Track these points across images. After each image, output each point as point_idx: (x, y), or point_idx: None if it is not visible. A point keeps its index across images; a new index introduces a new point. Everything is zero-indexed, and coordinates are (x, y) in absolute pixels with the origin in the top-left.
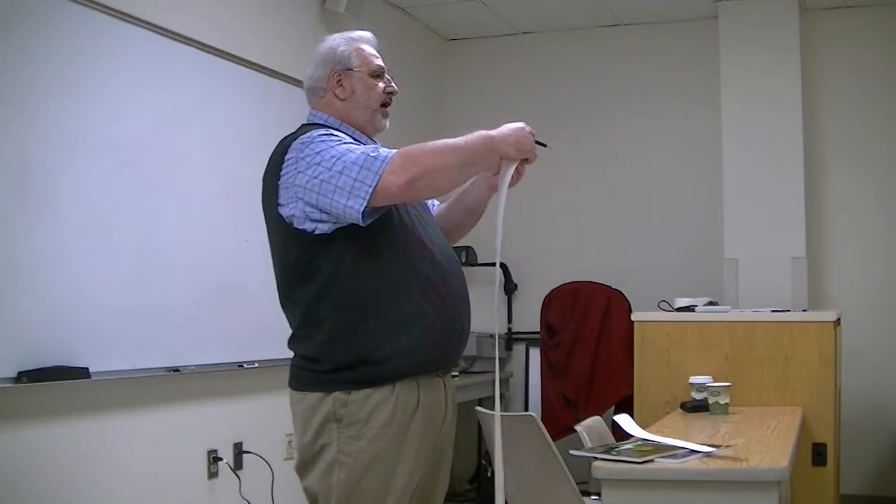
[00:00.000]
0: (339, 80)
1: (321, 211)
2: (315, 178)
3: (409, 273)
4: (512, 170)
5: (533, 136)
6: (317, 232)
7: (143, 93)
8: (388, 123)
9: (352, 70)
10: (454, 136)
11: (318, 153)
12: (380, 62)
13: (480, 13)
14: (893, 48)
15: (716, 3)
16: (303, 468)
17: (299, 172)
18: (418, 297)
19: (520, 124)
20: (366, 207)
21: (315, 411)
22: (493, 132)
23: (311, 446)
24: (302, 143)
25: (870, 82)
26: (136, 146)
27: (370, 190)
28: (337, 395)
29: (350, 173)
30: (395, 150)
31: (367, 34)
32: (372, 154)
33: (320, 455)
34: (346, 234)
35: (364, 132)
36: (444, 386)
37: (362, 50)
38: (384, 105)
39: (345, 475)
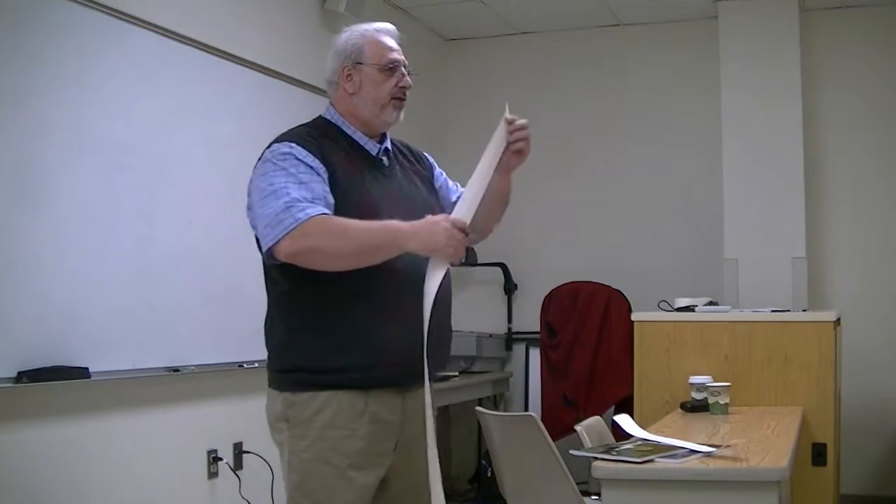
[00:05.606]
0: (349, 74)
1: None
2: (249, 205)
3: (366, 294)
4: (442, 271)
5: (464, 232)
6: None
7: (143, 93)
8: (401, 116)
9: (361, 64)
10: (454, 136)
11: (262, 175)
12: (395, 55)
13: (480, 13)
14: (893, 48)
15: (716, 3)
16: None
17: (249, 191)
18: (369, 319)
19: (439, 222)
20: (268, 255)
21: (272, 409)
22: (403, 226)
23: (275, 442)
24: (263, 159)
25: (870, 82)
26: (136, 146)
27: (270, 244)
28: (286, 395)
29: (264, 220)
30: (317, 212)
31: (386, 25)
32: (292, 208)
33: (281, 452)
34: None
35: (371, 127)
36: (403, 398)
37: (377, 42)
38: (397, 98)
39: (295, 475)
